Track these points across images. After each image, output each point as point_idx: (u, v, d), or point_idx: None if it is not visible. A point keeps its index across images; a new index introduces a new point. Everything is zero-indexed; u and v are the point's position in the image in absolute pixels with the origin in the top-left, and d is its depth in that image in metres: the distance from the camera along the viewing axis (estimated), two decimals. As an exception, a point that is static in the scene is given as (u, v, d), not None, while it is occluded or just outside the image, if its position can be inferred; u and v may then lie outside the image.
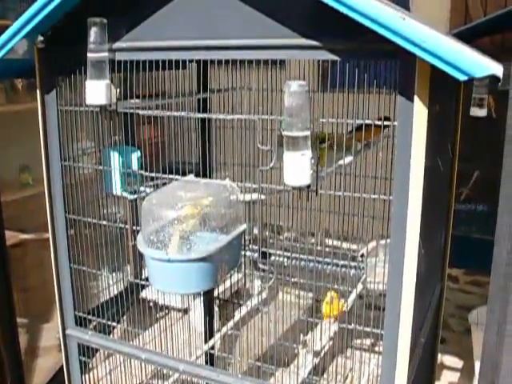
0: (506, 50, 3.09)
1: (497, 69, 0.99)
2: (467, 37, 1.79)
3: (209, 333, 2.31)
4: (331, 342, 1.74)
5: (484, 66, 0.98)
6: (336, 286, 1.53)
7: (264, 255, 1.52)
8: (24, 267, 2.67)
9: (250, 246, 1.58)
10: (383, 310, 1.27)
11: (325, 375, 2.30)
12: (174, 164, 1.55)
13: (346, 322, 1.47)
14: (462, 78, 0.99)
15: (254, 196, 1.40)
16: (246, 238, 1.51)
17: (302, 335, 1.74)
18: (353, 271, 1.71)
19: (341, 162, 1.41)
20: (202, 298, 2.36)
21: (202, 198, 1.32)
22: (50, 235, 1.67)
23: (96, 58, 1.38)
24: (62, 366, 1.80)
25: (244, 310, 1.99)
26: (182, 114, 1.46)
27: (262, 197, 1.39)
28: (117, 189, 1.60)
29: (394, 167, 1.20)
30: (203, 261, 1.27)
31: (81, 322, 1.72)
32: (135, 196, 1.59)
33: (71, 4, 1.40)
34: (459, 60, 0.99)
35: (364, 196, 1.31)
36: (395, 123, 1.17)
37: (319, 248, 1.75)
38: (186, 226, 1.27)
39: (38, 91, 1.57)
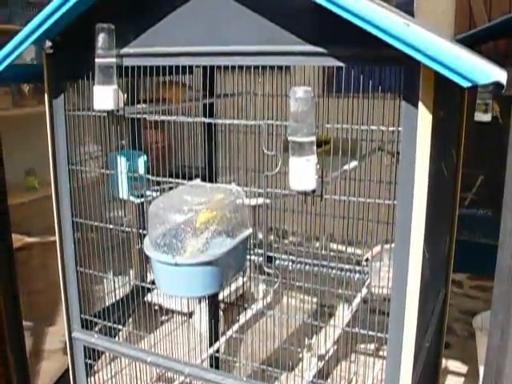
0: (510, 56, 3.09)
1: (501, 75, 0.99)
2: (471, 42, 1.80)
3: (213, 336, 2.32)
4: (336, 346, 1.74)
5: (488, 72, 0.99)
6: (340, 291, 1.54)
7: (269, 259, 1.53)
8: (29, 270, 2.68)
9: (255, 250, 1.59)
10: (387, 314, 1.27)
11: (329, 379, 2.30)
12: (180, 168, 1.56)
13: (350, 326, 1.47)
14: (466, 84, 1.00)
15: (260, 200, 1.41)
16: (251, 242, 1.51)
17: (306, 339, 1.74)
18: (357, 275, 1.71)
19: (345, 166, 1.42)
20: (206, 302, 2.37)
21: (214, 201, 1.32)
22: (56, 238, 1.69)
23: (104, 64, 1.40)
24: (68, 368, 1.81)
25: (249, 314, 1.99)
26: (188, 119, 1.47)
27: (268, 201, 1.40)
28: (123, 193, 1.61)
29: (398, 172, 1.20)
30: (209, 265, 1.28)
31: (86, 325, 1.72)
32: (142, 200, 1.60)
33: (80, 10, 1.41)
34: (463, 67, 0.99)
35: (368, 201, 1.32)
36: (400, 129, 1.18)
37: (324, 252, 1.76)
38: (206, 233, 1.28)
39: (46, 96, 1.58)
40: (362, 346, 2.02)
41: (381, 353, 1.48)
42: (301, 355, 1.80)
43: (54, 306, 2.48)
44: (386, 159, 1.41)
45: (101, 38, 1.38)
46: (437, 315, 1.80)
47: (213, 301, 2.33)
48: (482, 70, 0.99)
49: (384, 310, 1.29)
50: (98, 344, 1.71)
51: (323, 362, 1.72)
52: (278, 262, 1.66)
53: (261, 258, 1.53)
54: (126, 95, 1.46)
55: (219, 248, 1.29)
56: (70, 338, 1.75)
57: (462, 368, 2.87)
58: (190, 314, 3.08)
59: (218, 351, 2.14)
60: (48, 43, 1.50)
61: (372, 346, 1.78)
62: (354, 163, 1.45)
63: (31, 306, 2.64)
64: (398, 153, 1.23)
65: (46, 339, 2.78)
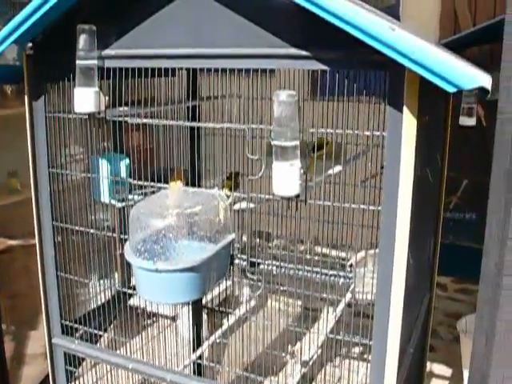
0: (494, 60, 3.11)
1: (485, 80, 0.99)
2: (456, 47, 1.80)
3: (197, 341, 2.29)
4: (320, 351, 1.73)
5: (472, 77, 0.98)
6: (325, 295, 1.52)
7: (253, 264, 1.51)
8: (11, 273, 2.64)
9: (239, 255, 1.57)
10: (372, 317, 1.26)
11: (313, 384, 2.28)
12: (162, 171, 1.54)
13: (334, 331, 1.46)
14: (451, 89, 1.00)
15: (243, 205, 1.39)
16: (236, 246, 1.50)
17: (290, 346, 1.73)
18: (342, 280, 1.70)
19: (330, 171, 1.41)
20: (190, 307, 2.34)
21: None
22: (36, 243, 1.66)
23: (85, 65, 1.38)
24: (48, 374, 1.78)
25: (232, 319, 1.97)
26: (171, 122, 1.45)
27: (251, 205, 1.39)
28: (105, 196, 1.59)
29: (383, 177, 1.19)
30: (191, 271, 1.26)
31: (67, 331, 1.70)
32: (123, 204, 1.58)
33: (61, 10, 1.39)
34: (448, 72, 0.99)
35: (353, 206, 1.31)
36: (384, 133, 1.17)
37: (308, 256, 1.75)
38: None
39: (26, 97, 1.56)
40: (347, 349, 2.00)
41: (365, 356, 1.47)
42: (285, 360, 1.79)
43: (37, 309, 2.44)
44: (370, 164, 1.40)
45: (82, 40, 1.35)
46: (421, 319, 1.80)
47: (196, 305, 2.30)
48: (467, 75, 0.98)
49: (368, 313, 1.28)
50: (79, 350, 1.68)
51: (307, 368, 1.71)
52: (262, 266, 1.64)
53: (245, 263, 1.51)
54: (107, 97, 1.44)
55: (201, 254, 1.27)
56: (50, 344, 1.72)
57: (447, 371, 2.88)
58: (174, 318, 3.05)
59: (200, 357, 2.12)
60: (28, 44, 1.47)
61: (357, 350, 1.78)
62: (338, 167, 1.44)
63: (13, 310, 2.61)
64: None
65: (27, 343, 2.74)
